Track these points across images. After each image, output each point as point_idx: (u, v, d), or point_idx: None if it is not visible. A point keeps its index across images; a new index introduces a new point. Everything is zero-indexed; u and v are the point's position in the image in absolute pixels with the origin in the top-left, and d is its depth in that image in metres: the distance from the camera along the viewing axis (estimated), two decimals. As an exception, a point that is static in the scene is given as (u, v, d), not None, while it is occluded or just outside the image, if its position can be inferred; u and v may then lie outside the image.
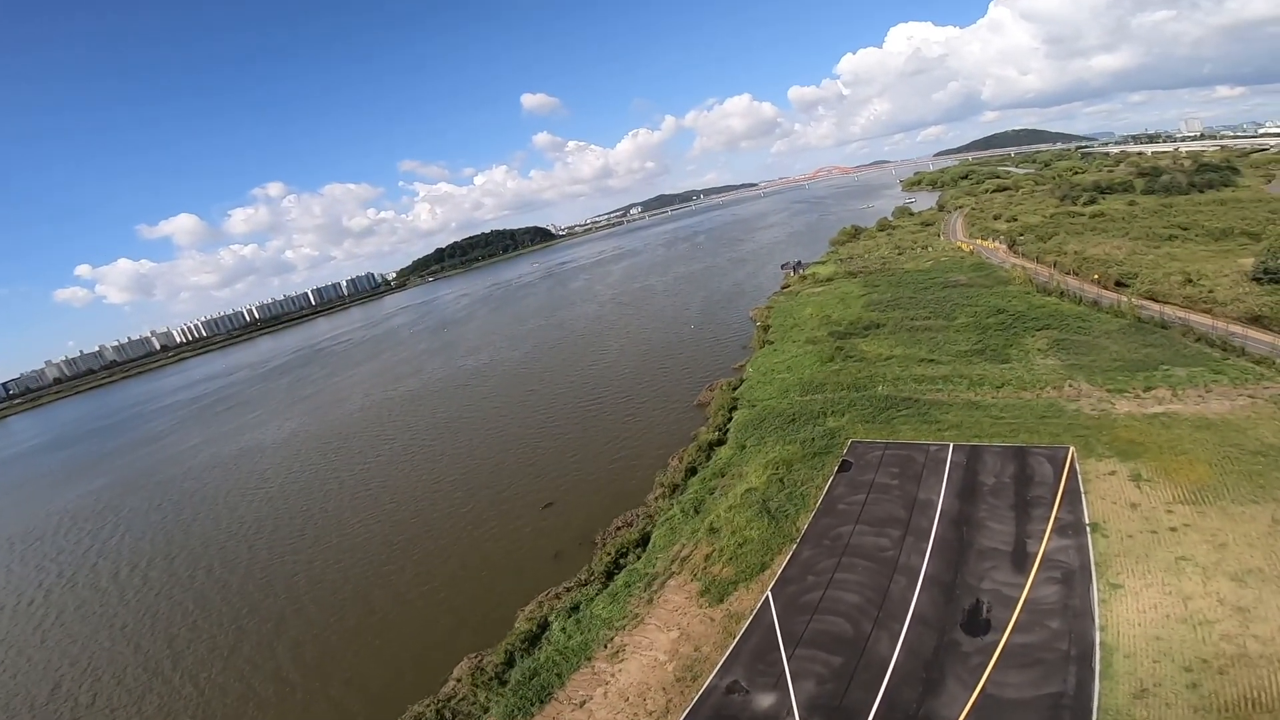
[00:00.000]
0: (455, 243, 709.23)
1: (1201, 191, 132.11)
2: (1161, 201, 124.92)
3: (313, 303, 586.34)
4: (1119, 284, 70.89)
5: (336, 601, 45.84)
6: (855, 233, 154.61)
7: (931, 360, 58.18)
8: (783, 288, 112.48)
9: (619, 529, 45.38)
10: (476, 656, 35.16)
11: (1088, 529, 31.85)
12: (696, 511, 43.08)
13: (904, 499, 37.57)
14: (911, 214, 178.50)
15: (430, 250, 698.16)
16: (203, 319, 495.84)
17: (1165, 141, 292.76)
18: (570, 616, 35.58)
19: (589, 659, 31.84)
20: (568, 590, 38.81)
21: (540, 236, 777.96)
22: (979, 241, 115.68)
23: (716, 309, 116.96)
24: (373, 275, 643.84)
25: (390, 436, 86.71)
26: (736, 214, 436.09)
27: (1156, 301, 63.05)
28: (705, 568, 36.03)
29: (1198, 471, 34.75)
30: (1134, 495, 33.84)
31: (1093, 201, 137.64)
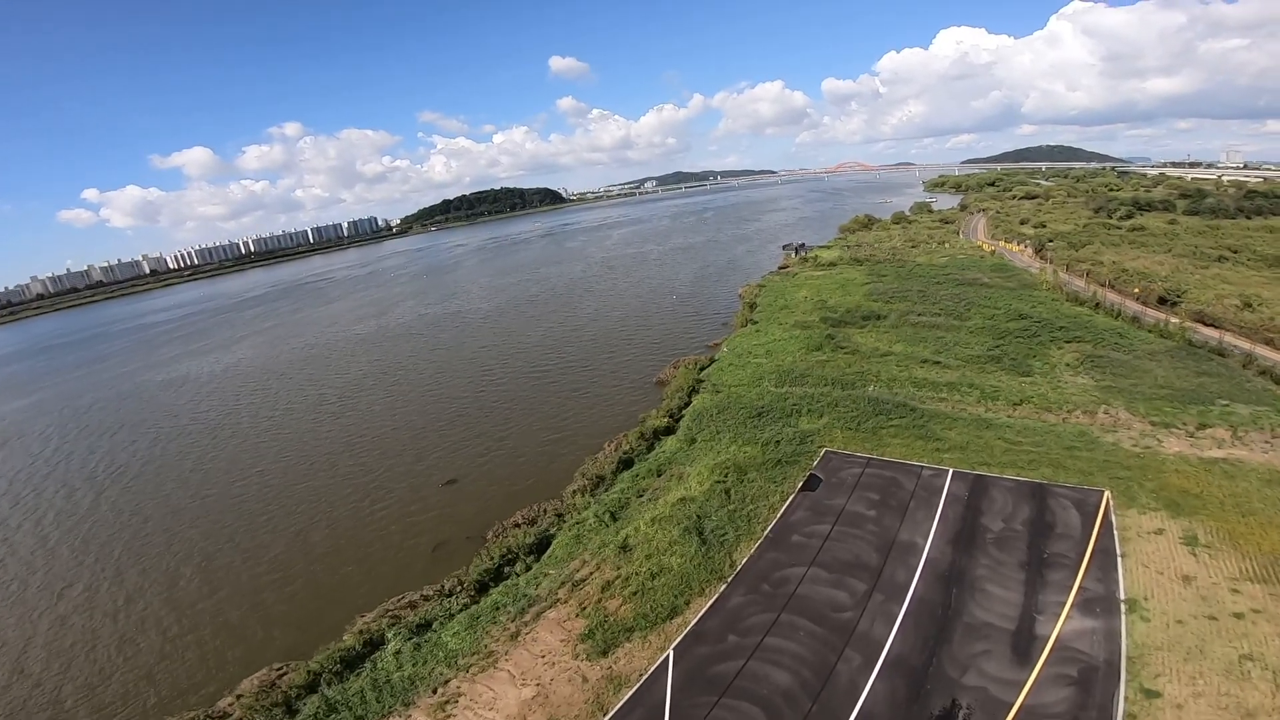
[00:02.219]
0: (463, 195, 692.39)
1: (1249, 217, 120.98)
2: (1207, 223, 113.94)
3: (311, 240, 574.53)
4: (1163, 301, 60.77)
5: (150, 575, 36.99)
6: (868, 222, 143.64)
7: (937, 363, 48.42)
8: (780, 268, 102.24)
9: (517, 525, 36.24)
10: (280, 669, 26.37)
11: (1122, 606, 22.80)
12: (614, 518, 33.81)
13: (880, 537, 28.16)
14: (931, 211, 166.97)
15: (439, 201, 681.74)
16: (196, 247, 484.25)
17: (1207, 169, 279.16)
18: (412, 638, 26.51)
19: (409, 704, 22.84)
20: (425, 599, 29.73)
21: (550, 198, 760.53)
22: (1002, 243, 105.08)
23: (706, 283, 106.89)
24: (375, 219, 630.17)
25: (321, 380, 77.36)
26: (750, 197, 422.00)
27: (1208, 325, 53.06)
28: (600, 600, 26.78)
29: (1272, 540, 25.53)
30: (1188, 565, 24.63)
31: (1129, 216, 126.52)
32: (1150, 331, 52.70)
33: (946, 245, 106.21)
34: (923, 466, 33.37)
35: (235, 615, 31.86)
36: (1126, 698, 19.35)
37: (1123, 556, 25.34)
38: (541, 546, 32.95)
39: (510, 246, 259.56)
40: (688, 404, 48.58)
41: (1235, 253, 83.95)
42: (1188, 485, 29.54)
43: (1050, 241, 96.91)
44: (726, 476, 34.69)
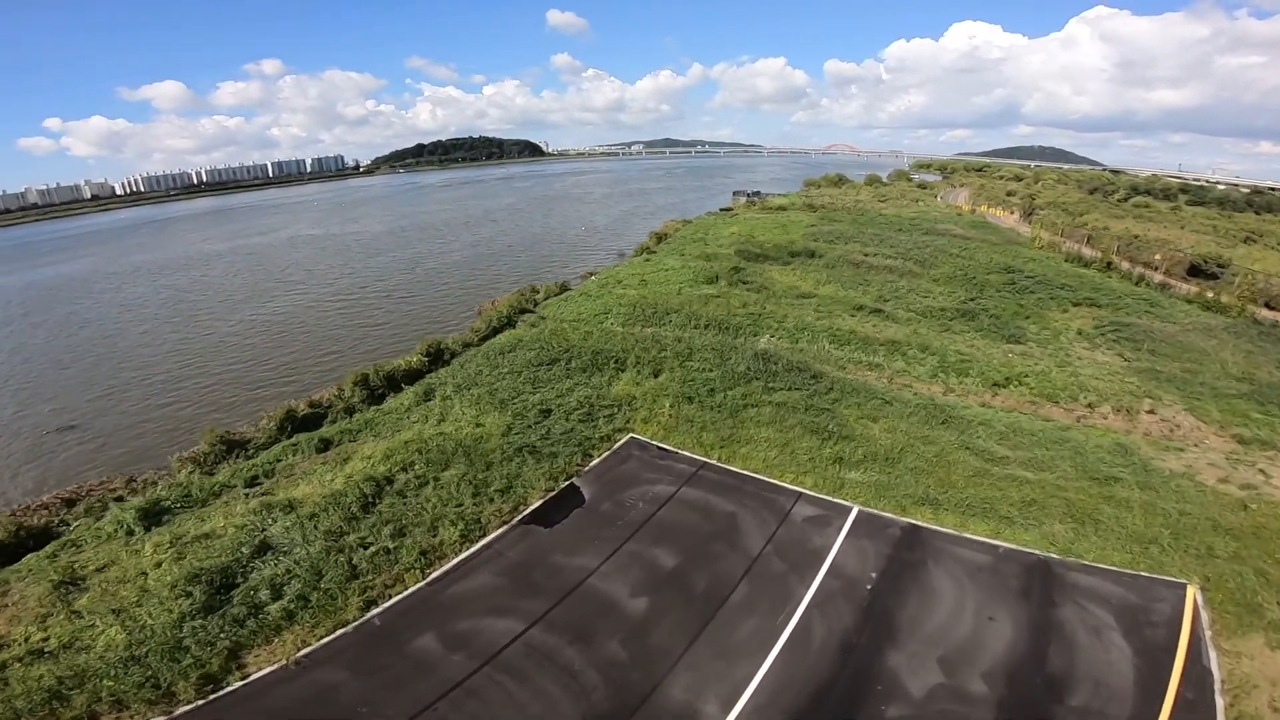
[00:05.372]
0: (438, 141, 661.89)
1: (1258, 213, 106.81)
2: (1218, 212, 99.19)
3: (270, 174, 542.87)
4: (1195, 273, 44.44)
5: None
6: (838, 180, 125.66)
7: (878, 310, 30.89)
8: (722, 210, 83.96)
9: (49, 505, 18.73)
10: None
11: None
12: (150, 525, 15.92)
13: (618, 686, 10.52)
14: (910, 179, 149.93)
15: (413, 145, 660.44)
16: (144, 175, 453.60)
17: (1194, 179, 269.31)
18: None
19: None
20: None
21: (529, 150, 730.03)
22: (984, 207, 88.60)
23: (633, 219, 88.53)
24: (341, 158, 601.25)
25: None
26: (732, 162, 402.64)
27: (1268, 307, 36.76)
28: None
29: None
30: None
31: (1127, 199, 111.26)
32: (1191, 303, 36.14)
33: (920, 204, 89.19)
34: (798, 493, 15.77)
35: None
36: None
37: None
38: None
39: (460, 185, 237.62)
40: (488, 338, 30.58)
41: (1258, 236, 68.94)
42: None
43: (1043, 210, 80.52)
44: (406, 468, 16.80)
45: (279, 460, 19.72)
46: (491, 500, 15.19)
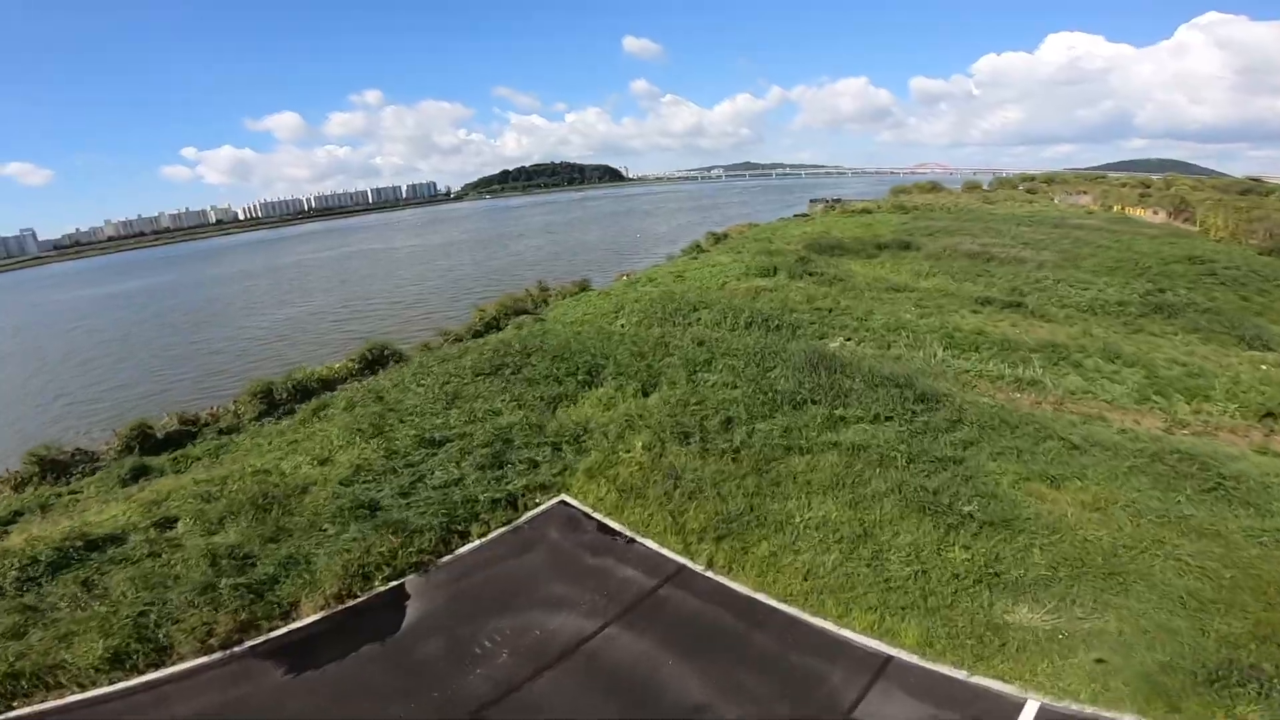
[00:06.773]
0: (521, 167, 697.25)
1: None
2: None
3: (370, 200, 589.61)
4: None
5: None
6: (933, 187, 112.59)
7: (1016, 305, 20.91)
8: (797, 215, 74.59)
9: None
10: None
11: None
12: None
13: None
14: (1016, 187, 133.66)
15: (499, 172, 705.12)
16: (261, 201, 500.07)
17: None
18: None
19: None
20: None
21: (609, 175, 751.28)
22: (1117, 207, 74.53)
23: (699, 227, 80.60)
24: (434, 184, 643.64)
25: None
26: (815, 182, 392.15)
27: None
28: None
29: None
30: None
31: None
32: None
33: (1035, 204, 76.09)
34: (884, 656, 6.58)
35: None
36: None
37: None
38: None
39: (535, 205, 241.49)
40: (462, 340, 23.31)
41: None
42: None
43: (1201, 204, 65.83)
44: (161, 524, 9.28)
45: (77, 492, 12.98)
46: (221, 601, 7.28)
